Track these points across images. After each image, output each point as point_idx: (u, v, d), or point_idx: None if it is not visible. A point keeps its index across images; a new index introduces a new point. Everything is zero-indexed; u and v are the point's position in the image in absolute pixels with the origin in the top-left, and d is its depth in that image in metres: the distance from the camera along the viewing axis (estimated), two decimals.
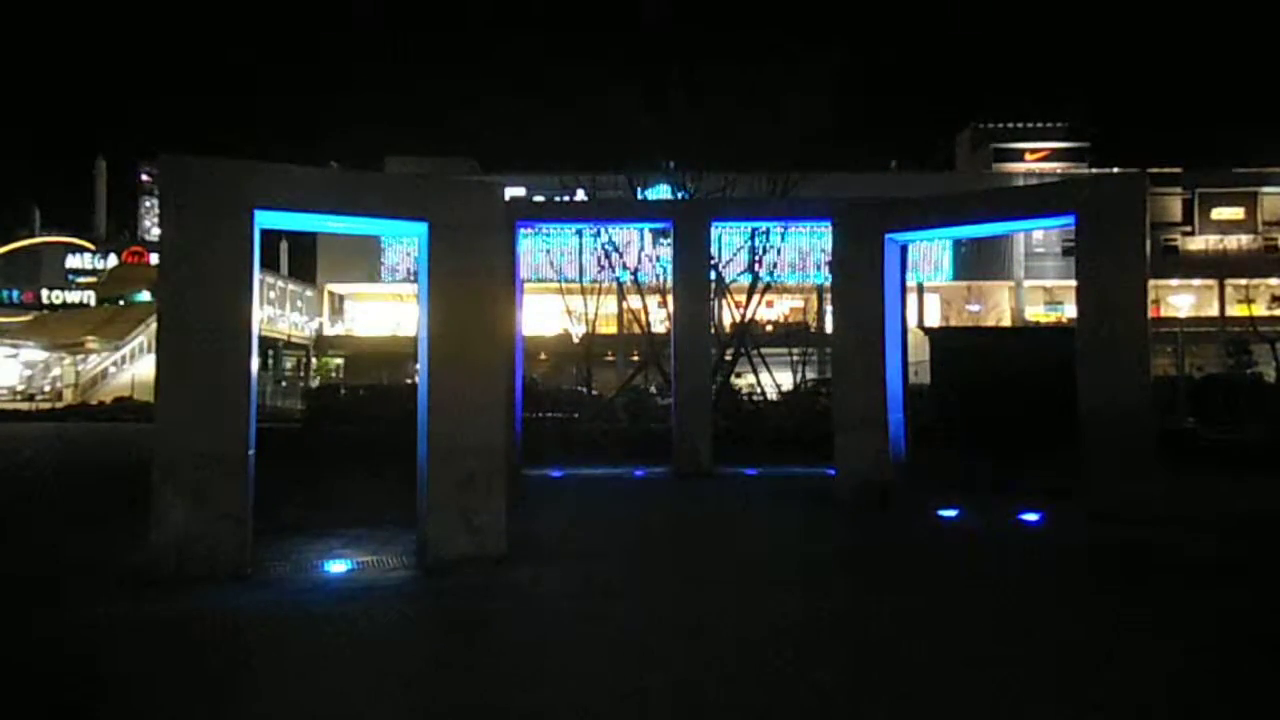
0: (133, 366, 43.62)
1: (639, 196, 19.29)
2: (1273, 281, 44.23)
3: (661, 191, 19.97)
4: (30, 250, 64.83)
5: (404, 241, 36.31)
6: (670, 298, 14.54)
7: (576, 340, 22.65)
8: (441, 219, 6.94)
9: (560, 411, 19.34)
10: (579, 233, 20.11)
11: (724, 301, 19.41)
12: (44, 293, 59.96)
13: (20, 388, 43.40)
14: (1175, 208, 47.33)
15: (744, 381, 20.44)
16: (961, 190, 18.96)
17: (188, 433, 6.23)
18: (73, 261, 66.77)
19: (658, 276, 18.59)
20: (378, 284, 44.91)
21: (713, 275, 16.38)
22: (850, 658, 4.71)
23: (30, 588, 6.12)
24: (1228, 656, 4.70)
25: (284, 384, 34.69)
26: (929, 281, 43.12)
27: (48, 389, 42.98)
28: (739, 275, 19.39)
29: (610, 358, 32.58)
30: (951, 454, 11.75)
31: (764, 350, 19.96)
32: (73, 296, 60.02)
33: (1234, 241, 47.36)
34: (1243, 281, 41.06)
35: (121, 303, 54.83)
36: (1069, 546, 7.74)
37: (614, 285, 20.68)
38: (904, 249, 10.12)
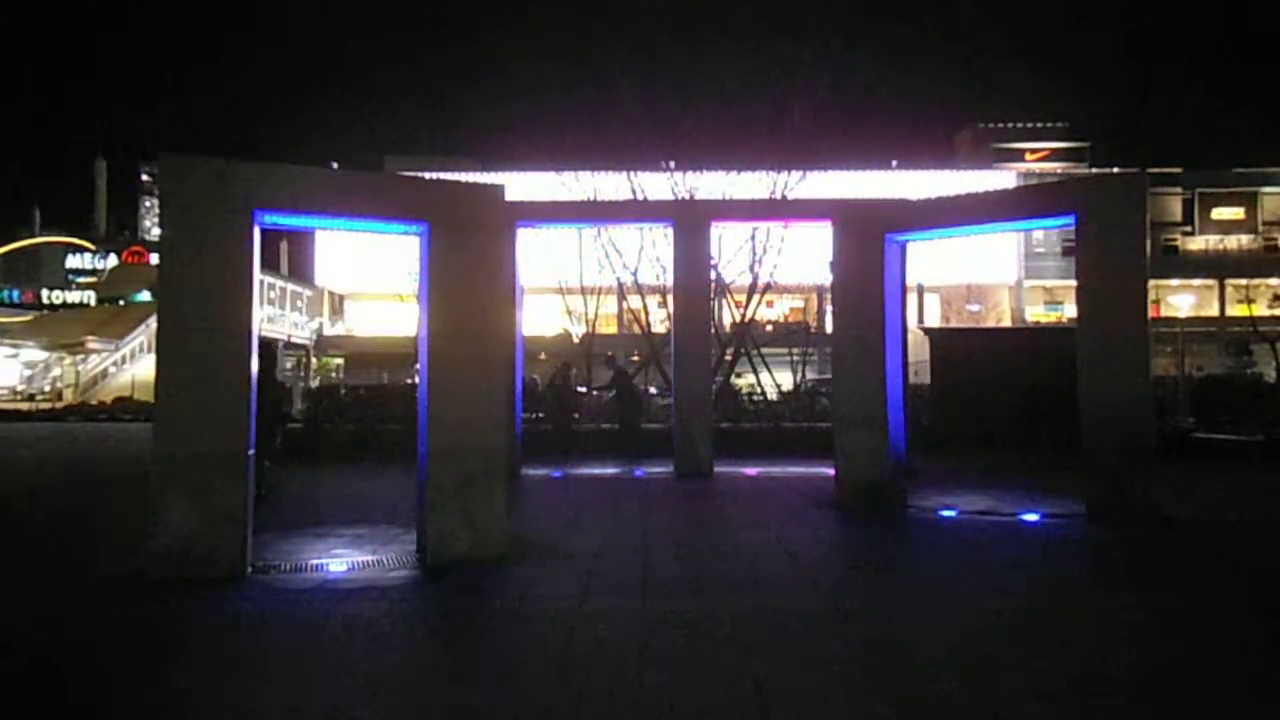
0: (133, 366, 43.67)
1: (639, 197, 19.28)
2: (1273, 281, 44.24)
3: (661, 191, 19.95)
4: (30, 250, 64.84)
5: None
6: (670, 298, 14.53)
7: (577, 340, 22.64)
8: (441, 219, 6.94)
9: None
10: (579, 233, 20.12)
11: (724, 301, 19.40)
12: (44, 293, 59.96)
13: (20, 388, 43.46)
14: (1175, 208, 47.34)
15: (744, 381, 20.44)
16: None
17: (187, 433, 6.23)
18: (73, 261, 66.79)
19: (658, 276, 18.57)
20: (378, 284, 44.84)
21: (713, 275, 16.38)
22: (851, 657, 4.70)
23: (29, 588, 6.12)
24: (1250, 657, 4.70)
25: (284, 384, 34.63)
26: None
27: (48, 389, 43.04)
28: (739, 275, 19.38)
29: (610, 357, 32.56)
30: (951, 454, 11.78)
31: (764, 350, 19.96)
32: (73, 296, 60.04)
33: (1234, 241, 47.37)
34: (1243, 281, 41.05)
35: (121, 303, 54.87)
36: (1070, 547, 7.73)
37: (614, 285, 20.66)
38: (904, 249, 10.12)
